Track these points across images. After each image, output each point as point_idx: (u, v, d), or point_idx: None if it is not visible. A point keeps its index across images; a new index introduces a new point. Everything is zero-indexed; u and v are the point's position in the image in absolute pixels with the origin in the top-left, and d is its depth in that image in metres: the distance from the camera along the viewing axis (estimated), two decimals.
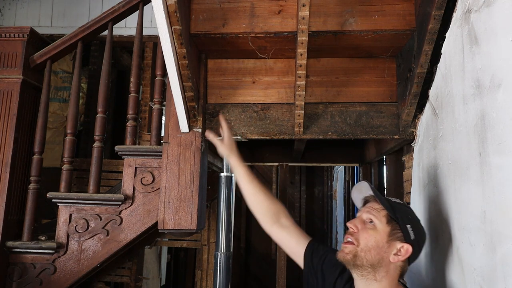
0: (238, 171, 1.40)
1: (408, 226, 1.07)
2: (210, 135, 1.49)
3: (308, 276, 1.26)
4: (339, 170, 4.99)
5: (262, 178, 5.47)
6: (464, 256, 1.15)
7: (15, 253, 1.85)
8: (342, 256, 1.08)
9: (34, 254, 1.84)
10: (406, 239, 1.06)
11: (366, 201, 1.17)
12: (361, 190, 1.19)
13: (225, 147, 1.44)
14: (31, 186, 1.92)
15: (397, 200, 1.14)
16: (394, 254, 1.05)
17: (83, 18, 3.18)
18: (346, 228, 1.14)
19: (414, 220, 1.11)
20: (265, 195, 1.36)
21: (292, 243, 1.30)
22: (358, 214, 1.15)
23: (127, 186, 1.83)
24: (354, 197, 1.23)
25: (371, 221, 1.08)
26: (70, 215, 1.84)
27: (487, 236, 1.02)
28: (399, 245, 1.05)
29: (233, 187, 1.79)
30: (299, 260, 1.29)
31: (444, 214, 1.30)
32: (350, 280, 1.15)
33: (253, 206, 1.37)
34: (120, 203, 1.81)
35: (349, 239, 1.09)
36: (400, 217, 1.07)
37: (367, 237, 1.06)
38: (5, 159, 1.90)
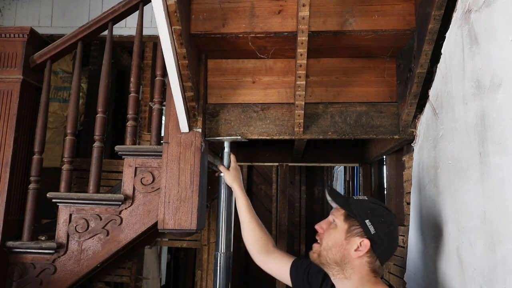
0: (239, 199, 1.56)
1: (367, 221, 1.09)
2: (220, 167, 1.67)
3: None
4: (339, 170, 4.99)
5: (262, 178, 5.46)
6: (464, 256, 1.15)
7: (15, 253, 1.85)
8: (311, 255, 1.16)
9: (34, 254, 1.84)
10: (366, 234, 1.08)
11: None
12: None
13: (230, 175, 1.62)
14: (31, 186, 1.92)
15: (361, 198, 1.17)
16: (355, 250, 1.08)
17: (83, 18, 3.17)
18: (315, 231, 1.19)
19: (375, 215, 1.11)
20: (259, 225, 1.50)
21: (277, 265, 1.40)
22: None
23: (127, 186, 1.83)
24: (329, 201, 1.26)
25: (334, 221, 1.15)
26: (70, 215, 1.84)
27: (487, 236, 1.02)
28: (358, 240, 1.08)
29: None
30: (287, 279, 1.35)
31: (444, 214, 1.30)
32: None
33: (246, 232, 1.50)
34: (120, 203, 1.81)
35: (317, 239, 1.17)
36: (357, 213, 1.10)
37: (327, 236, 1.13)
38: (5, 159, 1.90)
